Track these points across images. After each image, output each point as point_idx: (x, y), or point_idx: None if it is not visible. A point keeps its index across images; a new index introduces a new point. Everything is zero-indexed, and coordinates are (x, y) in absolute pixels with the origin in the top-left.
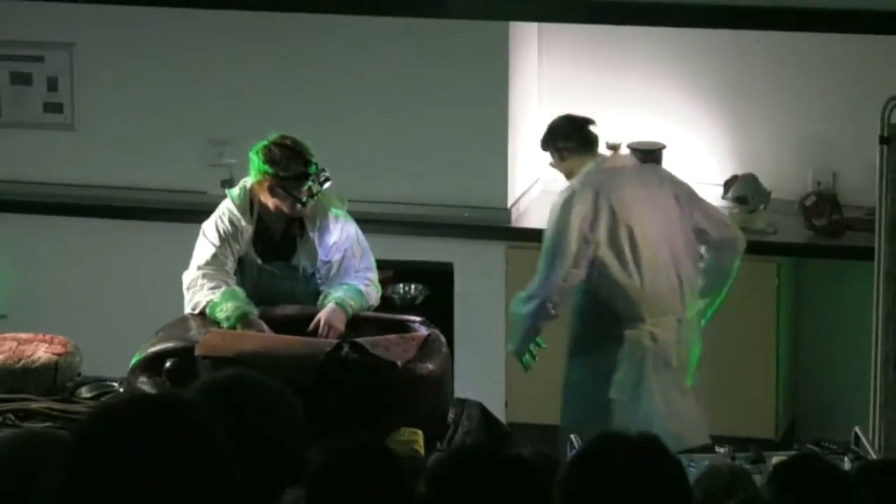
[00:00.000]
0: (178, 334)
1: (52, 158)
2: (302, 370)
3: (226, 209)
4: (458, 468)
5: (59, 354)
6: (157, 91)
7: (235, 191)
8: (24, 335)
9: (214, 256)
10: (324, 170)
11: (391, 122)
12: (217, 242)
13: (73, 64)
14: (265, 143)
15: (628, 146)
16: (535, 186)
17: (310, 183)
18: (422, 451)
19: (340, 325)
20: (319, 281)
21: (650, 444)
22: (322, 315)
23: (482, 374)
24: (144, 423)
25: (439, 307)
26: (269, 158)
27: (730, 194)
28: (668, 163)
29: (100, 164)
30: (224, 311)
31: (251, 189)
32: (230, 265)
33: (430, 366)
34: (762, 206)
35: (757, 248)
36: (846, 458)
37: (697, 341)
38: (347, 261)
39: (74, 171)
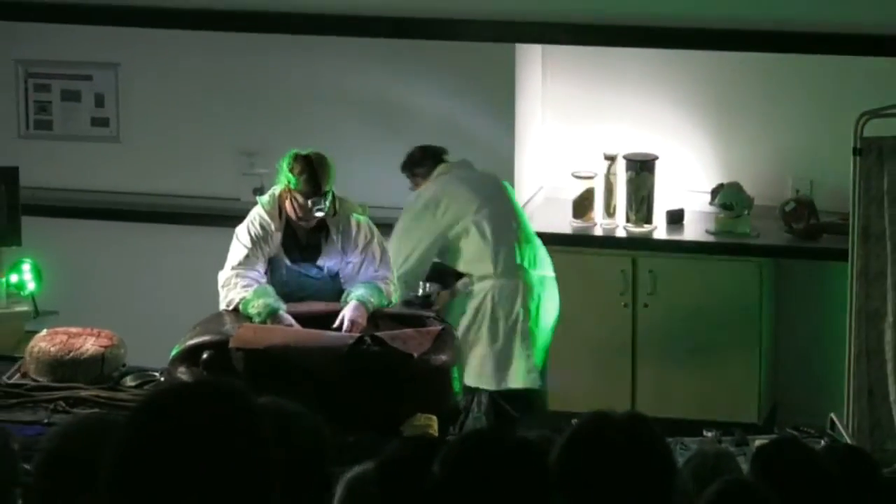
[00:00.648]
0: (214, 328)
1: (99, 168)
2: (327, 361)
3: (257, 214)
4: (469, 450)
5: (105, 347)
6: (194, 106)
7: (265, 198)
8: (73, 329)
9: (247, 257)
10: (326, 195)
11: (409, 135)
12: (249, 245)
13: (119, 82)
14: (295, 152)
15: (624, 157)
16: (539, 193)
17: (312, 201)
18: (436, 434)
19: (362, 321)
20: (343, 280)
21: (636, 422)
22: (345, 311)
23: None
24: (193, 406)
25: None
26: (289, 168)
27: (716, 200)
28: (661, 172)
29: (142, 173)
30: (255, 307)
31: (279, 196)
32: (261, 265)
33: (444, 357)
34: (746, 212)
35: (741, 250)
36: (822, 441)
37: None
38: (368, 262)
39: (119, 179)
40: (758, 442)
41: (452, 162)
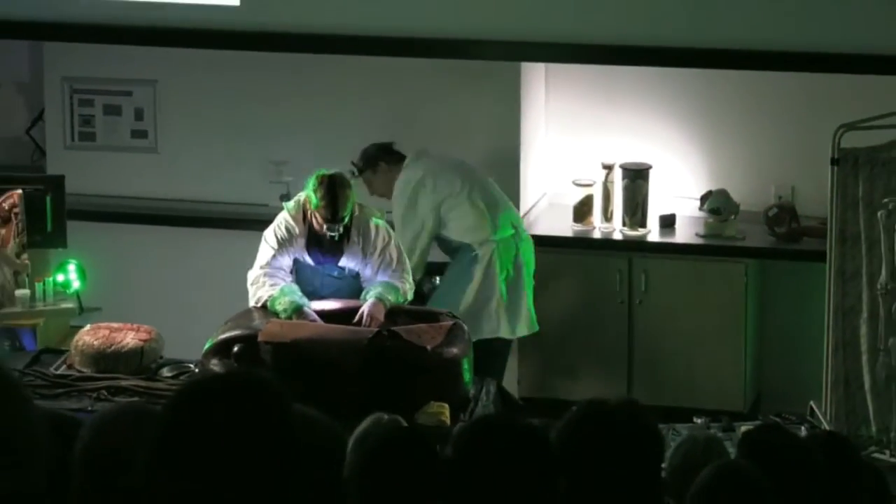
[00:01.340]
0: (244, 323)
1: (138, 177)
2: (348, 353)
3: (283, 219)
4: (479, 435)
5: (144, 340)
6: (226, 119)
7: (291, 203)
8: (115, 324)
9: (274, 258)
10: (343, 219)
11: (424, 145)
12: (276, 246)
13: (157, 97)
14: (323, 172)
15: (620, 166)
16: (542, 200)
17: (327, 227)
18: (448, 421)
19: (380, 317)
20: (362, 280)
21: (630, 406)
22: (365, 308)
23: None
24: (226, 395)
25: None
26: (313, 188)
27: (705, 206)
28: (654, 180)
29: (178, 181)
30: (282, 304)
31: (304, 202)
32: (287, 265)
33: (455, 350)
34: (732, 216)
35: (728, 252)
36: (803, 427)
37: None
38: (386, 262)
39: (157, 187)
40: (744, 428)
41: (419, 150)
